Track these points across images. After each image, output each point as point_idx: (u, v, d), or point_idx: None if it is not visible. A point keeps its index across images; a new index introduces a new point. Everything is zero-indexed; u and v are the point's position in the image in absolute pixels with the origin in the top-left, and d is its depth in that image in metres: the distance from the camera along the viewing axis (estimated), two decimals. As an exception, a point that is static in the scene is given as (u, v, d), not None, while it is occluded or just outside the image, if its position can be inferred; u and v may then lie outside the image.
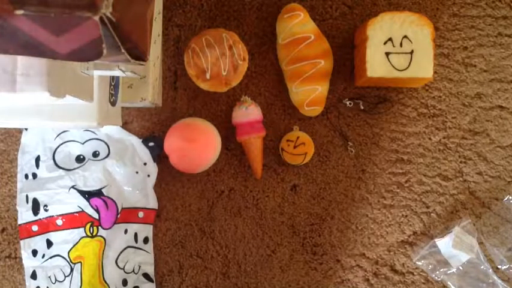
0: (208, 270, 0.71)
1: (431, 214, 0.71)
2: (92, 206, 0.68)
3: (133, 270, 0.69)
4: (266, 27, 0.73)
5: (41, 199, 0.69)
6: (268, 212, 0.71)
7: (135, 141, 0.71)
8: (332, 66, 0.70)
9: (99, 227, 0.68)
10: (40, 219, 0.69)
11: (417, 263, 0.70)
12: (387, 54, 0.66)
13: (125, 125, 0.72)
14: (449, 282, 0.69)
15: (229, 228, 0.71)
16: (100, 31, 0.33)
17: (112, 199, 0.68)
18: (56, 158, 0.70)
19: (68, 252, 0.68)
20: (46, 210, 0.69)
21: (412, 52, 0.66)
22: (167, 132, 0.68)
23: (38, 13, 0.31)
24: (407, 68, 0.66)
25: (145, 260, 0.70)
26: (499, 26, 0.73)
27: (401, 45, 0.66)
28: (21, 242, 0.70)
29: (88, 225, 0.68)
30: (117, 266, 0.69)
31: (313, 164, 0.72)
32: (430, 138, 0.72)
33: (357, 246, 0.71)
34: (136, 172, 0.70)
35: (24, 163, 0.71)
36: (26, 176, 0.70)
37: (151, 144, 0.70)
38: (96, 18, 0.31)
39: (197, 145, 0.65)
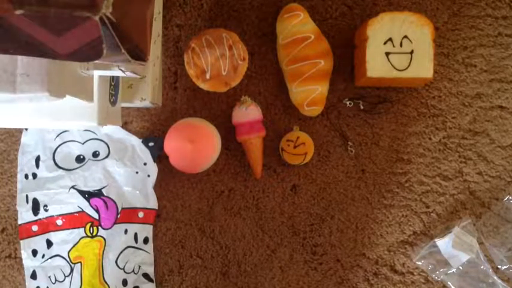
0: (208, 270, 0.71)
1: (431, 214, 0.71)
2: (92, 206, 0.68)
3: (133, 271, 0.69)
4: (266, 27, 0.73)
5: (41, 199, 0.69)
6: (268, 212, 0.71)
7: (135, 141, 0.71)
8: (332, 66, 0.70)
9: (99, 227, 0.68)
10: (40, 219, 0.69)
11: (417, 263, 0.70)
12: (387, 54, 0.66)
13: (125, 125, 0.72)
14: (449, 282, 0.69)
15: (229, 228, 0.71)
16: (100, 31, 0.33)
17: (112, 199, 0.69)
18: (56, 158, 0.70)
19: (68, 252, 0.68)
20: (46, 210, 0.69)
21: (412, 52, 0.66)
22: (167, 132, 0.68)
23: (38, 13, 0.31)
24: (407, 68, 0.66)
25: (145, 260, 0.70)
26: (499, 26, 0.73)
27: (401, 45, 0.66)
28: (21, 242, 0.70)
29: (88, 226, 0.68)
30: (117, 266, 0.69)
31: (313, 164, 0.72)
32: (430, 138, 0.72)
33: (357, 246, 0.71)
34: (136, 172, 0.70)
35: (24, 163, 0.71)
36: (26, 176, 0.70)
37: (151, 144, 0.70)
38: (96, 18, 0.32)
39: (197, 145, 0.65)
